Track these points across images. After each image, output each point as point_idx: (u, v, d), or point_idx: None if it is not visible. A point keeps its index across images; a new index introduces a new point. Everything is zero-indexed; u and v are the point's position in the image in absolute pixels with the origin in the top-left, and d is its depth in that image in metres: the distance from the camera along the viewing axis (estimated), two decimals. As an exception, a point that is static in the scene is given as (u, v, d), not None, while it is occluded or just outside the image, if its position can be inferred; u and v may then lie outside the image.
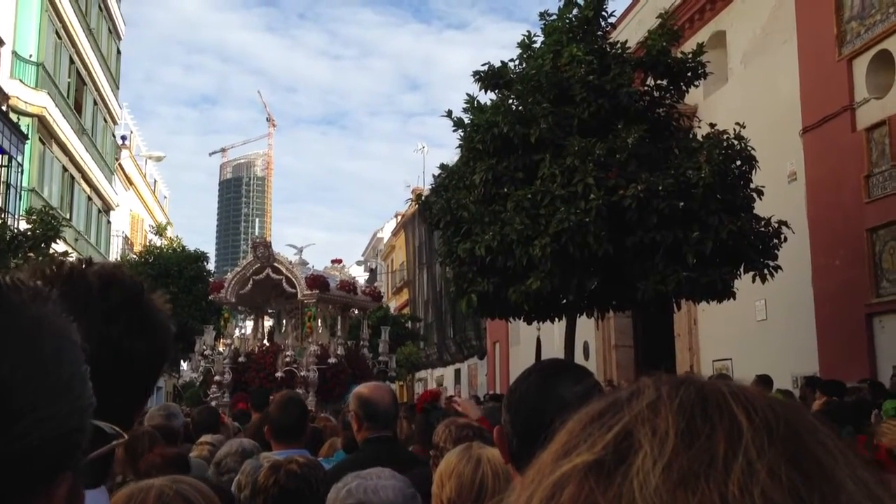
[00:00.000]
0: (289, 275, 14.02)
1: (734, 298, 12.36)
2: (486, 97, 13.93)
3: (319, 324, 14.61)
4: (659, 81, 13.67)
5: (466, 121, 13.42)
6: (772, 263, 12.19)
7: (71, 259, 1.36)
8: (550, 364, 1.94)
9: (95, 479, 0.76)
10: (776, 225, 12.29)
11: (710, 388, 0.54)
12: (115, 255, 32.98)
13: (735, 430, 0.49)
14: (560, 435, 0.56)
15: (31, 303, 0.67)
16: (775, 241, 12.27)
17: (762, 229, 12.23)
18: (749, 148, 12.29)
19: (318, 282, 13.92)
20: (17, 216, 19.63)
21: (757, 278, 12.14)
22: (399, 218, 48.03)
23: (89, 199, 29.86)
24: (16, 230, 16.13)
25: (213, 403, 11.98)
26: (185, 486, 1.95)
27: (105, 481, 0.80)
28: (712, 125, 12.67)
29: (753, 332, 15.74)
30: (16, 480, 0.62)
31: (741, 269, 12.19)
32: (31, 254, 14.90)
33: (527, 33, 13.83)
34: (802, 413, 0.53)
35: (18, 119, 21.83)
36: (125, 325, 1.15)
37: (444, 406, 6.14)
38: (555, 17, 13.57)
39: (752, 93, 16.25)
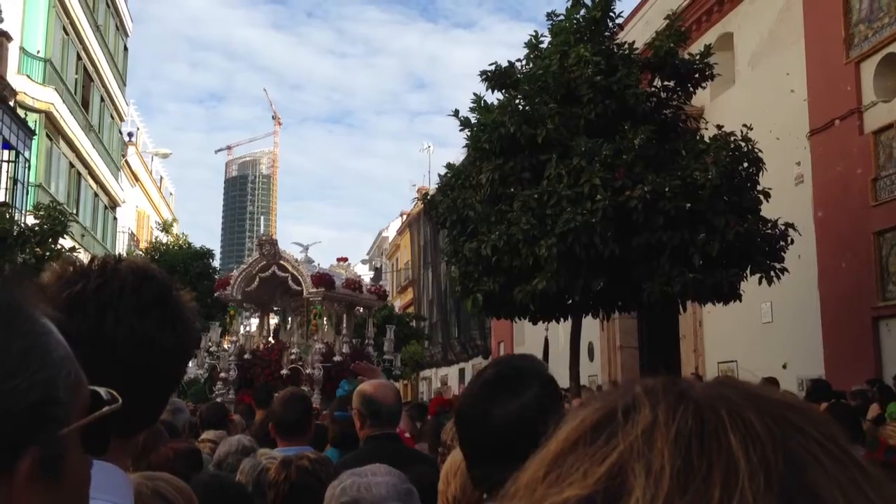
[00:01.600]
0: (294, 272, 14.02)
1: (740, 300, 12.34)
2: (493, 97, 13.96)
3: (325, 322, 14.61)
4: (666, 83, 13.65)
5: (473, 120, 13.42)
6: (778, 265, 12.17)
7: (80, 259, 1.37)
8: (489, 376, 1.85)
9: (93, 446, 0.76)
10: (783, 227, 12.27)
11: (708, 411, 0.51)
12: (121, 251, 33.04)
13: (731, 469, 0.47)
14: (552, 446, 0.54)
15: None
16: (782, 243, 12.26)
17: (769, 231, 12.21)
18: (756, 150, 12.27)
19: (323, 280, 13.92)
20: (24, 211, 19.68)
21: (763, 280, 12.12)
22: (404, 217, 48.03)
23: (96, 195, 29.92)
24: (23, 225, 16.16)
25: (219, 400, 12.00)
26: (161, 484, 1.94)
27: (104, 450, 0.79)
28: (719, 127, 12.66)
29: (759, 334, 15.71)
30: None
31: (747, 271, 12.17)
32: (38, 249, 14.93)
33: (534, 33, 13.84)
34: (803, 430, 0.51)
35: (26, 115, 21.88)
36: (157, 319, 1.17)
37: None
38: (562, 17, 13.56)
39: (760, 95, 16.22)
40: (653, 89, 13.61)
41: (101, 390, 0.76)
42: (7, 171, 20.24)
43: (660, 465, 0.48)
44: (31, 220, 16.66)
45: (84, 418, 0.72)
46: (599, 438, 0.51)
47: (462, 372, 36.43)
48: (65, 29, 25.25)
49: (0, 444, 0.64)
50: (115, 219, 33.36)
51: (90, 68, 28.61)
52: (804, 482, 0.48)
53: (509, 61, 14.02)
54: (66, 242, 16.38)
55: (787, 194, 14.23)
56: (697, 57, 13.49)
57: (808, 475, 0.48)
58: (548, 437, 0.55)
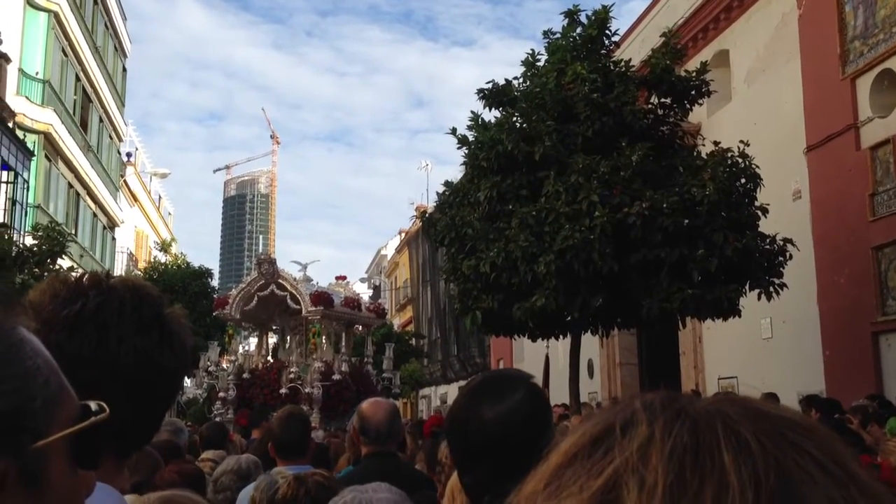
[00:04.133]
0: (293, 291, 14.02)
1: (739, 316, 12.33)
2: (491, 115, 13.99)
3: (324, 340, 14.58)
4: (663, 100, 13.70)
5: (471, 138, 13.45)
6: (777, 281, 12.17)
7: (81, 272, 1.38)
8: (476, 384, 1.90)
9: (84, 460, 0.74)
10: (781, 243, 12.28)
11: (704, 426, 0.52)
12: (119, 271, 33.02)
13: (723, 486, 0.48)
14: (555, 457, 0.55)
15: None
16: (780, 258, 12.26)
17: (767, 247, 12.21)
18: (753, 166, 12.29)
19: (322, 298, 13.92)
20: (22, 232, 19.68)
21: (762, 296, 12.11)
22: (403, 235, 48.06)
23: (94, 215, 29.95)
24: (22, 246, 16.16)
25: (218, 419, 11.96)
26: (182, 498, 1.92)
27: (95, 466, 0.77)
28: (716, 143, 12.69)
29: (759, 350, 15.69)
30: None
31: (746, 287, 12.16)
32: (37, 269, 14.92)
33: (531, 52, 13.90)
34: (800, 446, 0.51)
35: (24, 136, 21.94)
36: (157, 338, 1.17)
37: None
38: (559, 35, 13.63)
39: (756, 111, 16.28)
40: (649, 106, 13.66)
41: (92, 403, 0.75)
42: (6, 192, 20.27)
43: (653, 480, 0.49)
44: (29, 241, 16.66)
45: (66, 430, 0.70)
46: (597, 452, 0.52)
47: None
48: (63, 50, 25.37)
49: None
50: (113, 239, 33.37)
51: (89, 89, 28.72)
52: (796, 499, 0.48)
53: (506, 79, 14.08)
54: (64, 263, 16.37)
55: (785, 210, 14.25)
56: (694, 74, 13.54)
57: (800, 492, 0.48)
58: (549, 449, 0.56)
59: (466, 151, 13.46)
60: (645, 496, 0.48)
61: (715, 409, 0.54)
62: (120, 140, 34.94)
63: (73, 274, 1.33)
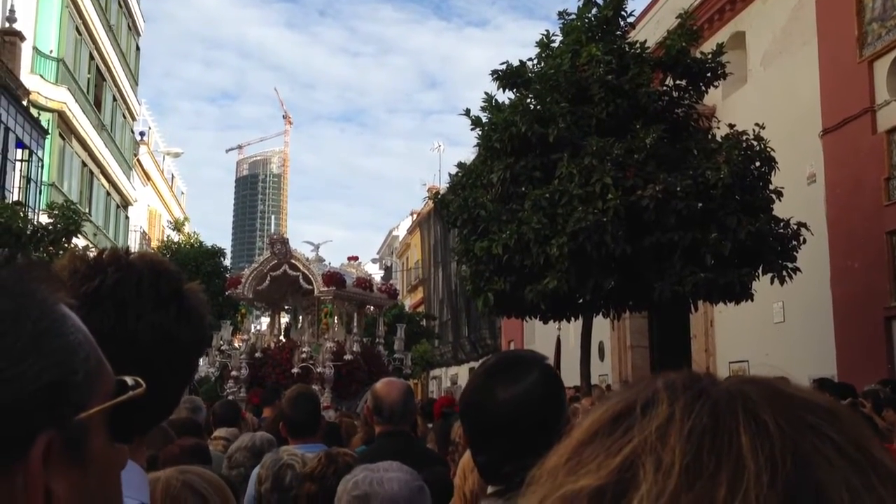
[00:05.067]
0: (306, 271, 14.04)
1: (752, 300, 12.30)
2: (504, 96, 13.95)
3: (335, 321, 14.62)
4: (678, 82, 13.62)
5: (484, 120, 13.42)
6: (790, 265, 12.13)
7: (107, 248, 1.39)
8: (491, 364, 1.92)
9: (122, 434, 0.76)
10: (795, 226, 12.22)
11: (724, 408, 0.52)
12: (132, 250, 33.18)
13: (739, 468, 0.48)
14: (575, 434, 0.56)
15: None
16: (794, 242, 12.21)
17: (781, 231, 12.16)
18: (768, 149, 12.23)
19: (334, 279, 13.94)
20: (37, 210, 19.79)
21: (775, 280, 12.08)
22: (415, 216, 48.06)
23: (108, 194, 30.07)
24: (36, 224, 16.26)
25: (230, 398, 12.04)
26: (192, 476, 1.93)
27: (130, 440, 0.79)
28: (731, 126, 12.62)
29: (771, 335, 15.66)
30: None
31: (759, 271, 12.13)
32: (52, 248, 15.01)
33: (545, 33, 13.82)
34: (819, 430, 0.51)
35: (39, 114, 22.01)
36: (174, 314, 1.18)
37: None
38: (573, 16, 13.55)
39: (772, 94, 16.16)
40: (664, 88, 13.58)
41: (127, 378, 0.77)
42: (20, 170, 20.37)
43: (670, 460, 0.49)
44: (44, 219, 16.76)
45: (105, 403, 0.73)
46: (617, 430, 0.53)
47: (472, 371, 36.42)
48: (77, 29, 25.38)
49: (13, 429, 0.64)
50: (126, 218, 33.51)
51: (102, 68, 28.76)
52: (811, 483, 0.48)
53: (520, 60, 14.02)
54: (79, 241, 16.45)
55: (800, 193, 14.17)
56: (709, 56, 13.45)
57: (816, 476, 0.49)
58: (570, 427, 0.57)
59: (480, 133, 13.43)
60: (661, 476, 0.49)
61: (737, 389, 0.54)
62: (133, 119, 35.00)
63: (91, 251, 1.34)
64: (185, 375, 1.24)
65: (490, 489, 1.81)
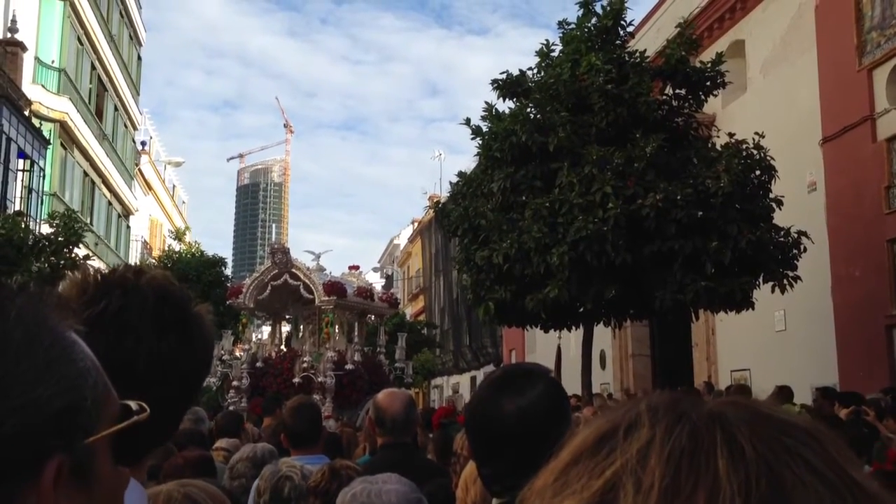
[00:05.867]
0: (306, 281, 14.05)
1: (753, 308, 12.30)
2: (505, 105, 13.98)
3: (336, 330, 14.62)
4: (677, 91, 13.65)
5: (485, 129, 13.44)
6: (791, 273, 12.13)
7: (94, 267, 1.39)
8: (497, 376, 1.93)
9: (124, 457, 0.78)
10: (796, 235, 12.23)
11: (703, 431, 0.54)
12: (134, 259, 33.21)
13: (715, 491, 0.50)
14: (565, 453, 0.57)
15: None
16: (795, 251, 12.21)
17: (781, 239, 12.17)
18: (768, 157, 12.24)
19: (335, 288, 13.94)
20: (38, 220, 19.82)
21: (776, 288, 12.07)
22: (416, 225, 48.07)
23: (109, 203, 30.10)
24: (38, 234, 16.28)
25: (231, 408, 12.03)
26: (193, 490, 1.93)
27: (135, 462, 0.81)
28: (731, 135, 12.64)
29: (772, 343, 15.65)
30: None
31: (760, 279, 12.13)
32: (53, 258, 15.02)
33: (545, 42, 13.86)
34: (795, 452, 0.52)
35: (41, 124, 22.06)
36: (176, 340, 1.19)
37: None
38: (573, 26, 13.58)
39: (772, 102, 16.18)
40: (664, 97, 13.61)
41: (132, 403, 0.79)
42: (22, 181, 20.40)
43: (650, 482, 0.51)
44: (45, 229, 16.78)
45: (111, 428, 0.74)
46: (601, 452, 0.55)
47: (474, 380, 36.39)
48: (79, 39, 25.46)
49: (25, 453, 0.65)
50: (128, 227, 33.54)
51: (104, 78, 28.83)
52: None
53: (520, 70, 14.06)
54: (80, 251, 16.47)
55: (800, 202, 14.18)
56: (709, 65, 13.48)
57: (791, 498, 0.50)
58: (560, 445, 0.59)
59: (480, 142, 13.45)
60: (641, 498, 0.50)
61: (717, 412, 0.55)
62: (135, 128, 35.06)
63: (94, 265, 1.34)
64: (185, 399, 1.24)
65: (495, 502, 1.82)
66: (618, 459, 0.53)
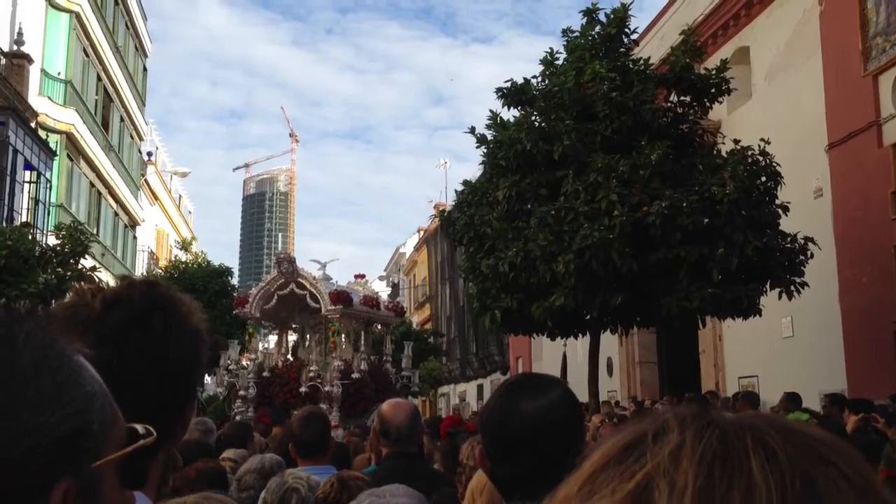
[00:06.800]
0: (313, 290, 14.06)
1: (760, 315, 12.27)
2: (509, 114, 13.99)
3: (343, 339, 14.63)
4: (682, 98, 13.65)
5: (490, 137, 13.46)
6: (798, 280, 12.10)
7: (100, 278, 1.39)
8: (514, 381, 1.95)
9: (130, 480, 0.78)
10: (802, 241, 12.20)
11: (733, 435, 0.54)
12: (140, 270, 33.28)
13: (751, 490, 0.50)
14: (588, 464, 0.57)
15: (1, 323, 0.69)
16: (801, 257, 12.18)
17: (788, 245, 12.14)
18: (774, 164, 12.23)
19: (341, 297, 13.95)
20: (45, 231, 19.88)
21: (783, 295, 12.04)
22: (421, 233, 48.10)
23: (116, 214, 30.19)
24: (45, 246, 16.32)
25: (238, 418, 12.03)
26: (215, 502, 1.94)
27: (143, 483, 0.82)
28: (736, 141, 12.63)
29: (780, 349, 15.60)
30: (3, 493, 0.64)
31: (767, 286, 12.10)
32: (60, 269, 15.06)
33: (549, 50, 13.89)
34: (827, 458, 0.53)
35: (47, 136, 22.15)
36: (124, 346, 1.16)
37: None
38: (577, 34, 13.61)
39: (777, 108, 16.17)
40: (669, 105, 13.61)
41: (138, 426, 0.79)
42: (29, 192, 20.48)
43: (684, 482, 0.51)
44: (52, 241, 16.83)
45: (118, 452, 0.75)
46: (629, 458, 0.55)
47: (480, 388, 36.35)
48: (85, 51, 25.57)
49: (32, 477, 0.66)
50: (134, 238, 33.62)
51: (110, 89, 28.95)
52: None
53: (525, 78, 14.07)
54: (86, 262, 16.51)
55: (806, 208, 14.15)
56: (714, 71, 13.48)
57: (825, 501, 0.50)
58: (581, 458, 0.59)
59: (485, 150, 13.46)
60: (675, 497, 0.50)
61: (746, 421, 0.56)
62: (141, 139, 35.18)
63: (101, 276, 1.35)
64: (173, 411, 1.22)
65: None
66: (648, 463, 0.53)
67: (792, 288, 12.02)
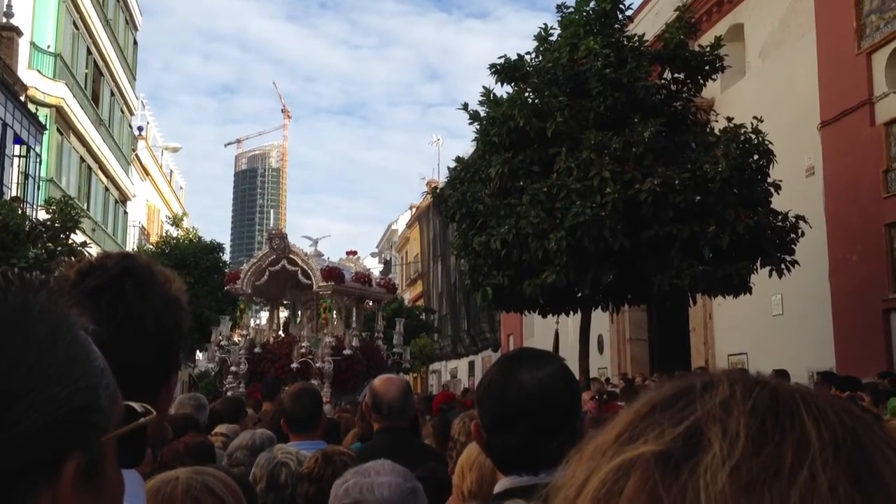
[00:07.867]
0: (304, 266, 14.04)
1: (750, 293, 12.32)
2: (503, 90, 13.93)
3: (334, 315, 14.63)
4: (676, 75, 13.61)
5: (482, 114, 13.41)
6: (788, 258, 12.14)
7: (90, 254, 1.39)
8: (513, 354, 1.96)
9: (128, 458, 0.78)
10: (793, 219, 12.23)
11: (783, 393, 0.54)
12: (131, 245, 33.18)
13: (804, 441, 0.50)
14: (624, 416, 0.56)
15: (17, 293, 0.68)
16: (792, 235, 12.22)
17: (779, 224, 12.18)
18: (766, 142, 12.23)
19: (333, 273, 13.94)
20: (35, 206, 19.77)
21: (773, 273, 12.09)
22: (414, 210, 48.03)
23: (106, 189, 30.03)
24: (35, 220, 16.24)
25: (230, 394, 12.05)
26: (210, 479, 1.93)
27: (140, 462, 0.81)
28: (729, 119, 12.62)
29: (769, 327, 15.68)
30: (17, 466, 0.63)
31: (757, 264, 12.14)
32: (50, 244, 15.00)
33: (543, 26, 13.81)
34: (872, 427, 0.53)
35: (37, 110, 21.97)
36: (95, 311, 1.14)
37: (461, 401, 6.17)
38: (572, 10, 13.53)
39: (770, 86, 16.15)
40: (663, 82, 13.57)
41: (136, 405, 0.79)
42: (18, 166, 20.34)
43: (736, 429, 0.50)
44: (42, 215, 16.74)
45: (119, 429, 0.74)
46: (677, 405, 0.54)
47: (472, 365, 36.49)
48: (75, 24, 25.32)
49: (46, 448, 0.65)
50: (125, 213, 33.48)
51: (100, 63, 28.70)
52: (871, 464, 0.50)
53: (518, 54, 14.01)
54: (77, 237, 16.44)
55: (798, 186, 14.17)
56: (708, 49, 13.44)
57: (875, 462, 0.50)
58: (608, 421, 0.58)
59: (478, 127, 13.42)
60: (728, 443, 0.50)
61: (792, 384, 0.56)
62: (131, 114, 34.93)
63: (91, 251, 1.34)
64: (141, 376, 1.21)
65: (498, 487, 1.81)
66: (698, 409, 0.53)
67: (782, 266, 12.06)
